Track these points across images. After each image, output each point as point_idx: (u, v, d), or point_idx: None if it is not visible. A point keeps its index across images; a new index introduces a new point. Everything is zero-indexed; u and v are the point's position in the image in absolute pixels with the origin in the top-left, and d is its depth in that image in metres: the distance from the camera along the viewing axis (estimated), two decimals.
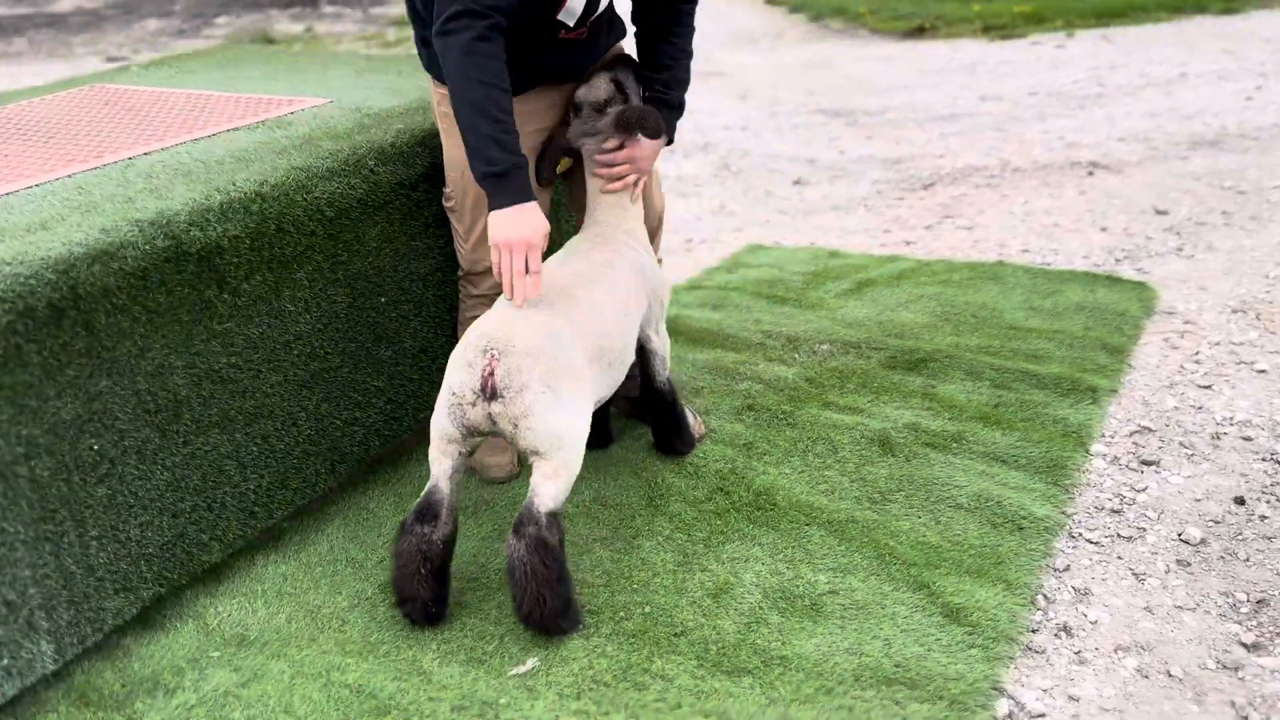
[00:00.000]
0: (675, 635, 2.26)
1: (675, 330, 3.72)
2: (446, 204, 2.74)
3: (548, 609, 2.19)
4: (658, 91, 2.70)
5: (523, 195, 2.34)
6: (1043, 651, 2.23)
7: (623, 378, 2.54)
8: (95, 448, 2.13)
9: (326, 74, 3.49)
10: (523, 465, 2.94)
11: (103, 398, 2.13)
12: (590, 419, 2.30)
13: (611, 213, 2.68)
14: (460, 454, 2.28)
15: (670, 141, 2.78)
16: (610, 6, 2.63)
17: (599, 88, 2.60)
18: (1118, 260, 4.29)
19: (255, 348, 2.42)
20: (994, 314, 3.77)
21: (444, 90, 2.58)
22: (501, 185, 2.32)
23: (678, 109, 2.74)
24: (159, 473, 2.26)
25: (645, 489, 2.80)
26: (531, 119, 2.62)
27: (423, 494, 2.27)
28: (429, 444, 2.29)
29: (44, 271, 2.00)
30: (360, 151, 2.64)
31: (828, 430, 3.03)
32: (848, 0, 11.88)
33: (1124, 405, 3.18)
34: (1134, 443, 2.99)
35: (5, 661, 2.03)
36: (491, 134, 2.29)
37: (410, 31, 12.40)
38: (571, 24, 2.49)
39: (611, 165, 2.63)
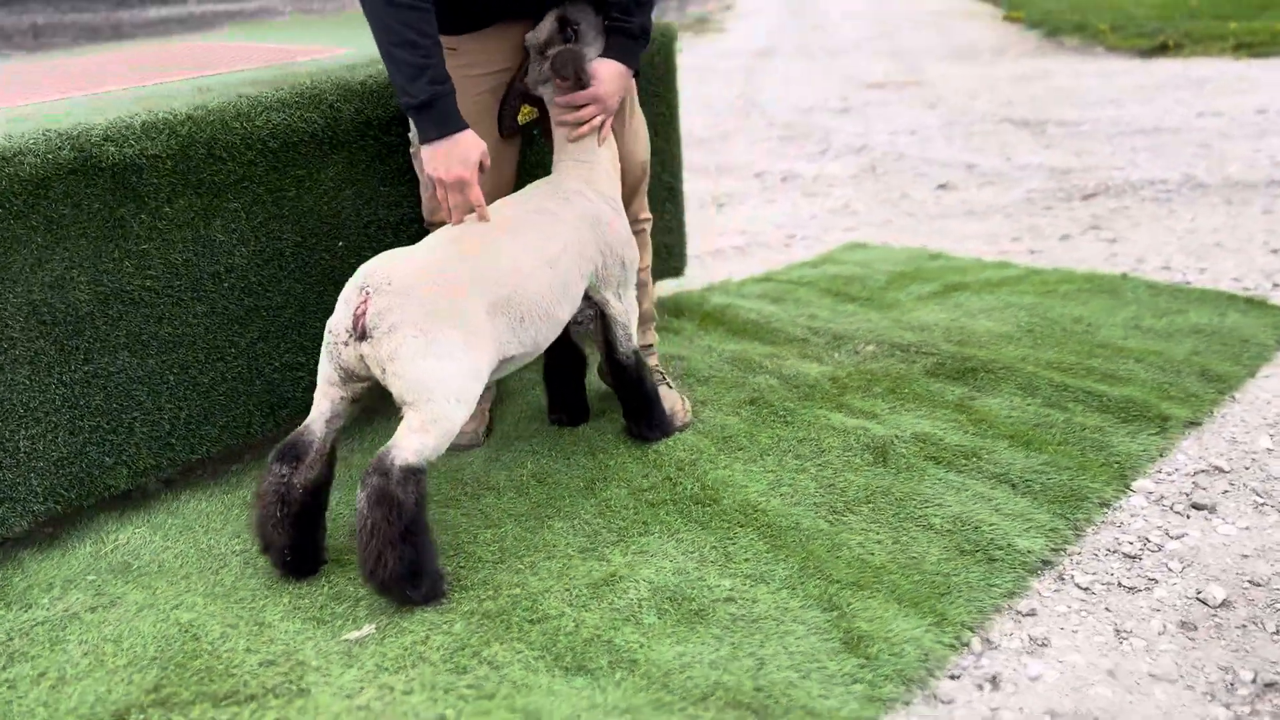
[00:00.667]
0: (530, 622, 2.01)
1: (718, 320, 3.44)
2: (411, 151, 2.61)
3: (388, 571, 1.99)
4: (615, 19, 2.46)
5: (449, 125, 2.17)
6: (949, 702, 1.82)
7: (549, 337, 2.31)
8: None
9: None
10: (489, 434, 2.77)
11: None
12: (480, 374, 2.09)
13: (575, 162, 2.46)
14: (341, 398, 2.13)
15: (637, 73, 2.53)
16: None
17: (541, 28, 2.39)
18: (1275, 284, 3.62)
19: (176, 274, 2.37)
20: (1087, 329, 3.25)
21: None
22: (426, 116, 2.17)
23: (640, 37, 2.48)
24: (54, 387, 2.25)
25: (592, 470, 2.55)
26: (486, 60, 2.45)
27: (290, 434, 2.14)
28: None
29: None
30: (322, 87, 2.55)
31: (823, 433, 2.67)
32: (1089, 16, 11.00)
33: (1202, 441, 2.63)
34: (1194, 483, 2.46)
35: None
36: (410, 61, 2.13)
37: None
38: None
39: (575, 108, 2.42)
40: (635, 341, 2.59)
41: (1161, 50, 9.33)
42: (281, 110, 2.47)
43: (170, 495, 2.54)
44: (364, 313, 2.02)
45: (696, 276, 4.13)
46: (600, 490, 2.47)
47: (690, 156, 6.18)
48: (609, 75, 2.41)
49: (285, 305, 2.56)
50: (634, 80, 2.64)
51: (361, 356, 2.04)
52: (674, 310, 3.54)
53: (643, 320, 2.85)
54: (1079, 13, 11.40)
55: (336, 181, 2.60)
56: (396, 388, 2.04)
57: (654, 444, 2.65)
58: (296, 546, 2.13)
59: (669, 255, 3.50)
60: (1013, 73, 8.76)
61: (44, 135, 2.16)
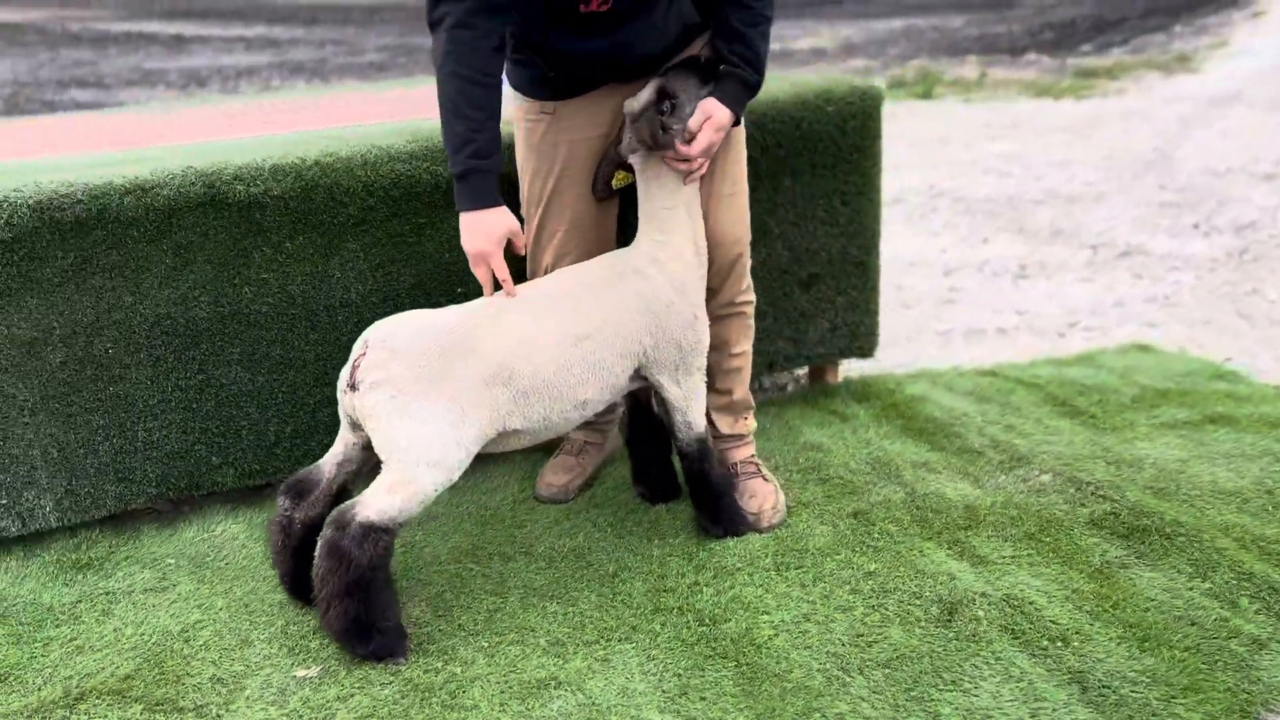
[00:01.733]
0: (445, 708, 1.98)
1: (900, 413, 3.12)
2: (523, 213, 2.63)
3: (331, 620, 2.06)
4: (731, 67, 2.30)
5: (480, 200, 2.21)
6: None
7: (568, 416, 2.24)
8: (110, 351, 2.49)
9: None
10: (581, 492, 2.75)
11: (123, 310, 2.47)
12: (464, 443, 2.09)
13: (649, 239, 2.36)
14: (353, 444, 2.23)
15: (738, 122, 2.37)
16: None
17: (640, 96, 2.29)
18: None
19: (293, 303, 2.60)
20: None
21: (512, 93, 2.47)
22: (462, 187, 2.22)
23: (753, 87, 2.34)
24: (170, 390, 2.56)
25: (632, 558, 2.44)
26: (584, 125, 2.42)
27: (302, 470, 2.27)
28: None
29: (76, 193, 2.38)
30: None
31: (903, 571, 2.34)
32: None
33: None
34: None
35: (6, 503, 2.49)
36: (460, 132, 2.18)
37: (1089, 82, 11.43)
38: None
39: (689, 159, 2.29)
40: (699, 429, 2.42)
41: None
42: (407, 161, 2.61)
43: (268, 496, 2.79)
44: (358, 365, 2.09)
45: (930, 354, 3.75)
46: (621, 581, 2.35)
47: (1028, 216, 5.61)
48: (718, 119, 2.27)
49: None
50: (742, 155, 2.47)
51: (354, 406, 2.12)
52: (859, 394, 3.25)
53: (736, 409, 2.65)
54: None
55: (459, 231, 2.69)
56: (375, 442, 2.10)
57: (715, 540, 2.47)
58: (297, 576, 2.26)
59: (854, 335, 3.22)
60: None
61: (181, 172, 2.47)
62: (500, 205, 2.22)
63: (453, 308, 2.21)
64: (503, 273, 2.21)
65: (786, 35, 16.80)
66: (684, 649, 2.12)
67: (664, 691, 2.00)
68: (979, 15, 17.55)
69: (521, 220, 2.49)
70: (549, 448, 2.86)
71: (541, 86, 2.41)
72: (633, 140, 2.33)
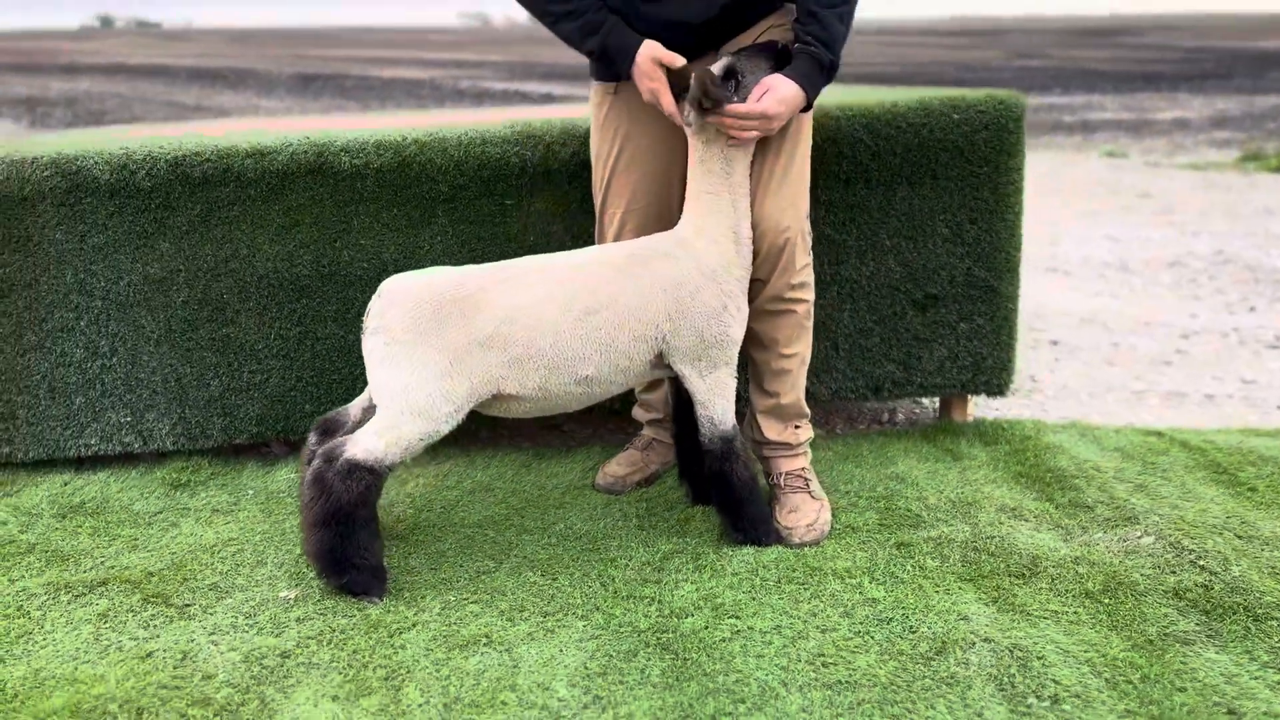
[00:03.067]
0: (378, 648, 2.01)
1: (1020, 459, 2.82)
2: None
3: (308, 546, 2.16)
4: (804, 44, 2.22)
5: (630, 50, 2.28)
6: None
7: (570, 391, 2.22)
8: (223, 295, 2.78)
9: None
10: (639, 487, 2.70)
11: (239, 259, 2.75)
12: (453, 397, 2.13)
13: (692, 219, 2.30)
14: None
15: (809, 106, 2.26)
16: None
17: (714, 68, 2.24)
18: None
19: (386, 269, 2.77)
20: None
21: (597, 85, 2.52)
22: (612, 59, 2.31)
23: (827, 69, 2.24)
24: (272, 338, 2.81)
25: (647, 549, 2.36)
26: (640, 105, 2.40)
27: (333, 410, 2.40)
28: None
29: (205, 152, 2.70)
30: (548, 127, 2.74)
31: (910, 604, 2.10)
32: None
33: None
34: None
35: (130, 420, 2.84)
36: (572, 27, 2.31)
37: None
38: None
39: (746, 118, 2.23)
40: (725, 427, 2.31)
41: None
42: (499, 145, 2.73)
43: None
44: (368, 312, 2.20)
45: (1113, 412, 3.33)
46: (614, 567, 2.28)
47: None
48: (784, 94, 2.20)
49: None
50: (806, 138, 2.36)
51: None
52: (988, 436, 2.95)
53: (785, 415, 2.50)
54: None
55: (545, 213, 2.77)
56: (370, 386, 2.19)
57: (737, 547, 2.34)
58: None
59: (978, 368, 2.93)
60: None
61: (296, 141, 2.72)
62: (637, 49, 2.27)
63: (474, 266, 2.26)
64: (667, 103, 2.27)
65: (1151, 106, 15.60)
66: (631, 633, 2.02)
67: (584, 667, 1.92)
68: None
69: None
70: (621, 441, 2.83)
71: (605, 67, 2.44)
72: (686, 114, 2.28)
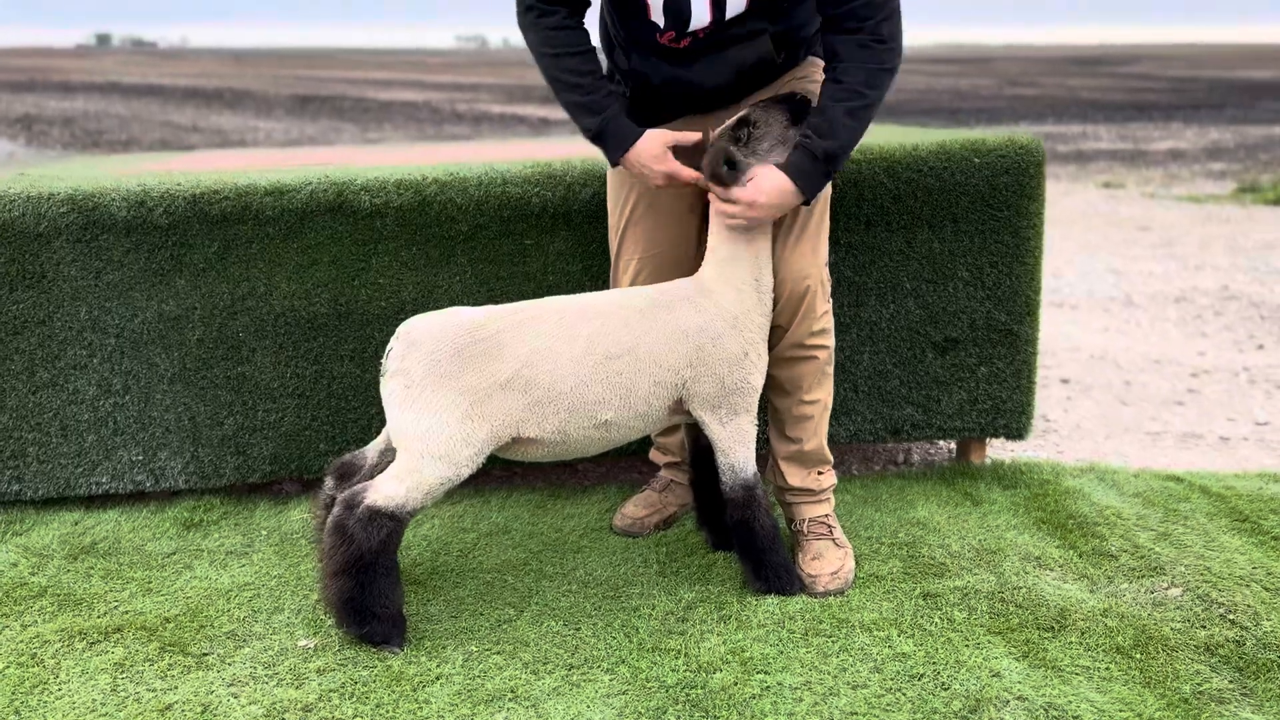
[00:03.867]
0: (401, 702, 1.97)
1: (1040, 504, 2.80)
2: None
3: (327, 596, 2.13)
4: (803, 135, 2.19)
5: (626, 140, 2.26)
6: None
7: (588, 435, 2.20)
8: (240, 334, 2.75)
9: None
10: (658, 529, 2.67)
11: (256, 297, 2.73)
12: (473, 440, 2.11)
13: (715, 266, 2.29)
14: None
15: (807, 201, 2.22)
16: (752, 21, 2.22)
17: (725, 125, 2.25)
18: None
19: (404, 308, 2.75)
20: None
21: None
22: (605, 144, 2.28)
23: (821, 160, 2.17)
24: (288, 376, 2.78)
25: (670, 599, 2.33)
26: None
27: (349, 453, 2.38)
28: None
29: (225, 189, 2.68)
30: (568, 169, 2.73)
31: (941, 659, 2.08)
32: None
33: None
34: None
35: (142, 459, 2.80)
36: (578, 101, 2.26)
37: None
38: (661, 26, 2.21)
39: (728, 199, 2.24)
40: (746, 474, 2.29)
41: None
42: (520, 185, 2.71)
43: None
44: (387, 354, 2.18)
45: (1122, 455, 3.32)
46: (640, 617, 2.25)
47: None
48: (768, 186, 2.18)
49: None
50: (819, 205, 2.34)
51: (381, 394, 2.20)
52: (1006, 479, 2.93)
53: (807, 461, 2.48)
54: None
55: (564, 253, 2.75)
56: (389, 430, 2.16)
57: (761, 596, 2.31)
58: None
59: (998, 411, 2.92)
60: None
61: (315, 179, 2.70)
62: (643, 131, 2.26)
63: (493, 307, 2.24)
64: (687, 174, 2.24)
65: (1145, 136, 15.68)
66: (659, 689, 1.99)
67: None
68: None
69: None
70: (638, 481, 2.81)
71: (627, 116, 2.43)
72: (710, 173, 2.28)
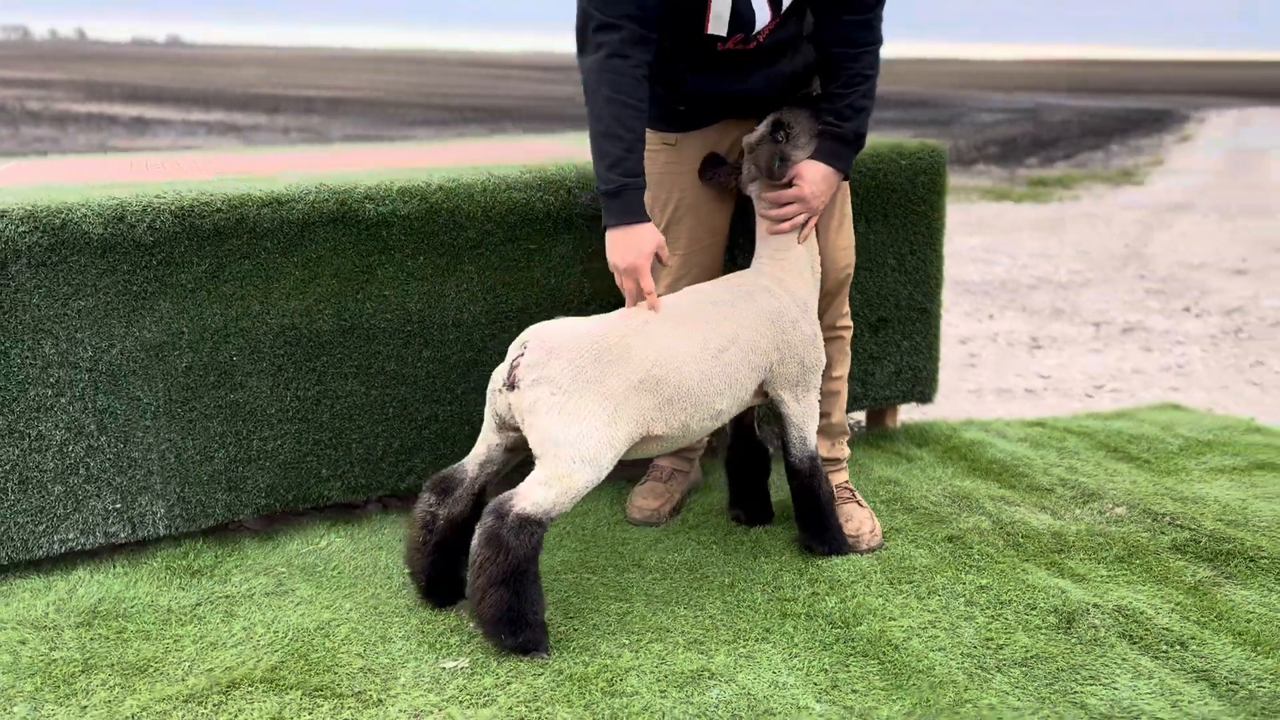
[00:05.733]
0: (606, 694, 2.01)
1: (962, 456, 3.24)
2: None
3: (485, 608, 2.09)
4: (828, 123, 2.46)
5: (630, 216, 2.30)
6: None
7: (704, 425, 2.33)
8: (234, 358, 2.53)
9: None
10: (671, 516, 2.81)
11: (251, 318, 2.52)
12: (615, 443, 2.16)
13: (771, 260, 2.49)
14: (497, 445, 2.29)
15: (846, 176, 2.50)
16: (790, 26, 2.44)
17: (757, 129, 2.46)
18: None
19: (410, 320, 2.67)
20: None
21: (653, 134, 2.59)
22: (613, 203, 2.31)
23: (853, 142, 2.47)
24: (289, 400, 2.60)
25: (744, 571, 2.50)
26: (700, 158, 2.55)
27: (448, 468, 2.32)
28: None
29: (215, 201, 2.46)
30: (565, 173, 2.79)
31: (1013, 586, 2.43)
32: None
33: None
34: None
35: (120, 508, 2.49)
36: (611, 151, 2.28)
37: (1036, 190, 11.91)
38: (724, 34, 2.38)
39: (779, 204, 2.45)
40: (812, 446, 2.52)
41: None
42: (523, 190, 2.73)
43: (380, 515, 2.81)
44: (517, 365, 2.17)
45: (965, 409, 3.91)
46: (740, 590, 2.41)
47: (1026, 297, 5.88)
48: (815, 176, 2.42)
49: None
50: (846, 186, 2.62)
51: (510, 405, 2.18)
52: (917, 439, 3.38)
53: (833, 432, 2.76)
54: None
55: (566, 258, 2.80)
56: (532, 439, 2.16)
57: (821, 558, 2.55)
58: (434, 574, 2.29)
59: (916, 379, 3.36)
60: None
61: (314, 188, 2.55)
62: (649, 221, 2.33)
63: (596, 317, 2.30)
64: (649, 285, 2.31)
65: None
66: (822, 649, 2.18)
67: (815, 684, 2.06)
68: (924, 130, 18.33)
69: None
70: (634, 475, 2.93)
71: (667, 119, 2.56)
72: (752, 170, 2.47)
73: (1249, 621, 2.29)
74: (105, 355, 2.42)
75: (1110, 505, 2.89)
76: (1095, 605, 2.35)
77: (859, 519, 2.68)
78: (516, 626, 2.11)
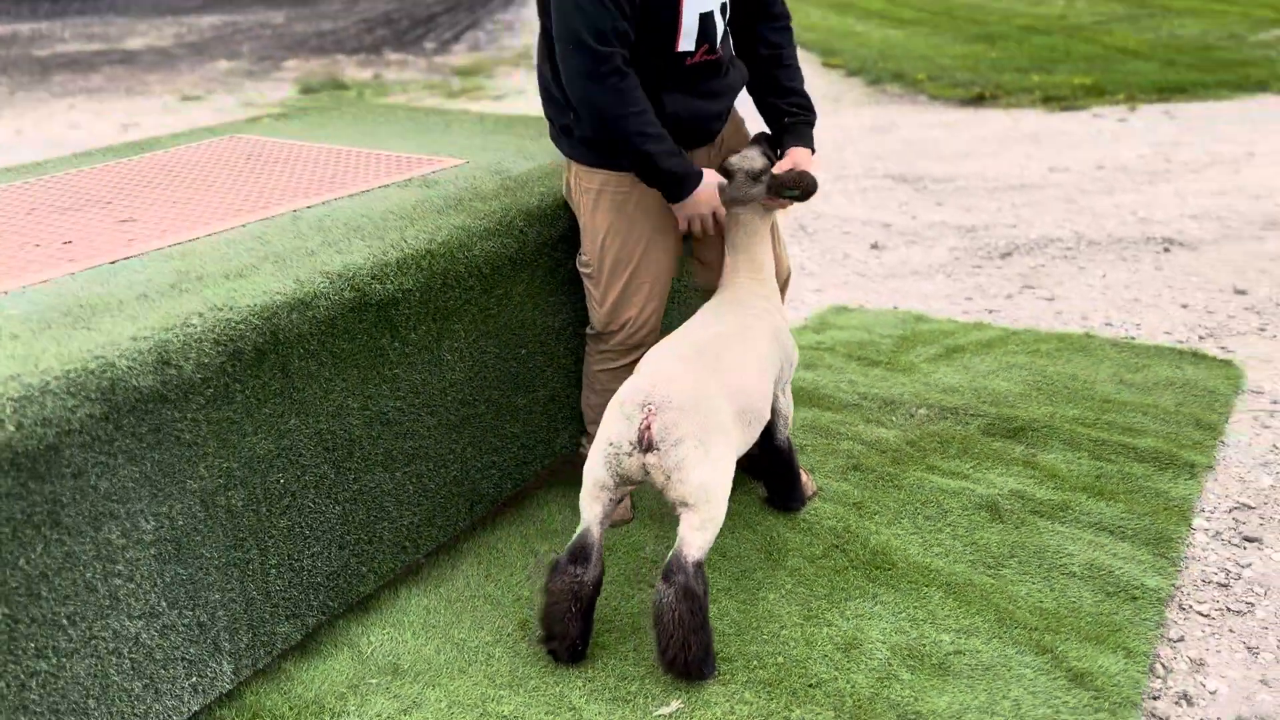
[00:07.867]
0: (810, 686, 2.37)
1: None
2: (583, 270, 2.88)
3: (692, 655, 2.30)
4: (796, 114, 2.87)
5: (695, 180, 2.63)
6: (1166, 718, 2.32)
7: (758, 435, 2.67)
8: (281, 481, 2.28)
9: (451, 133, 3.66)
10: (635, 510, 3.07)
11: (291, 435, 2.28)
12: (732, 474, 2.43)
13: (750, 279, 2.82)
14: (610, 500, 2.41)
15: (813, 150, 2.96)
16: (728, 38, 2.78)
17: (755, 158, 2.76)
18: (1200, 337, 4.39)
19: (418, 393, 2.57)
20: (1086, 385, 3.88)
21: (585, 170, 2.74)
22: (685, 183, 2.63)
23: (813, 123, 2.92)
24: (332, 506, 2.41)
25: (762, 543, 2.92)
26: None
27: (575, 537, 2.41)
28: (556, 488, 2.41)
29: (251, 318, 2.16)
30: (511, 213, 2.81)
31: (935, 494, 3.14)
32: (905, 65, 12.09)
33: (1220, 482, 3.27)
34: (1234, 519, 3.08)
35: (194, 680, 2.17)
36: (664, 150, 2.57)
37: (475, 81, 12.40)
38: (692, 49, 2.63)
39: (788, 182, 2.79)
40: (789, 429, 2.98)
41: (979, 100, 10.46)
42: (489, 239, 2.72)
43: (390, 595, 2.71)
44: (649, 426, 2.32)
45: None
46: (781, 561, 2.84)
47: None
48: (805, 159, 2.82)
49: (486, 411, 2.79)
50: None
51: (644, 466, 2.34)
52: None
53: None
54: (892, 60, 12.51)
55: (522, 297, 2.85)
56: (679, 492, 2.35)
57: (799, 513, 3.05)
58: (584, 637, 2.40)
59: None
60: (862, 123, 9.61)
61: (325, 278, 2.33)
62: (702, 173, 2.65)
63: (667, 359, 2.48)
64: (709, 225, 2.72)
65: (106, 35, 15.58)
66: (894, 589, 2.71)
67: (923, 620, 2.60)
68: (295, 10, 17.89)
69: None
70: None
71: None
72: (745, 193, 2.76)
73: (1079, 478, 3.26)
74: (166, 521, 2.07)
75: (912, 408, 3.72)
76: (998, 494, 3.16)
77: (803, 478, 3.20)
78: (710, 659, 2.35)
